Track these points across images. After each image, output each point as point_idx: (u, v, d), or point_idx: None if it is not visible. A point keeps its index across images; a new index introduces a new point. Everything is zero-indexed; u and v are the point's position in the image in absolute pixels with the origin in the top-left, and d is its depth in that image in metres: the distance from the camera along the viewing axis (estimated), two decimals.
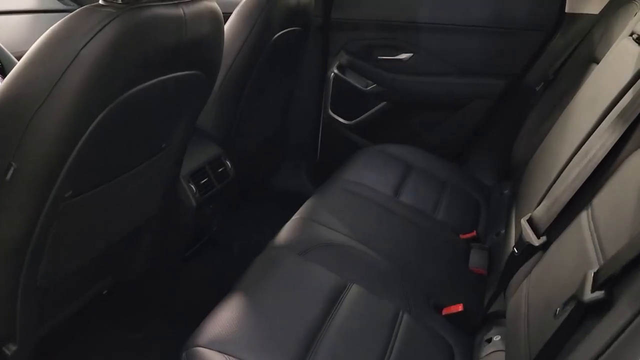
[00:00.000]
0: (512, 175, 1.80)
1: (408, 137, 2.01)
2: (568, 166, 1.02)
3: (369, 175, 1.64)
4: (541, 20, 1.80)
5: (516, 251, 1.03)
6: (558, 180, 1.04)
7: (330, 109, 2.08)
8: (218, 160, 1.48)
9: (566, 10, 1.75)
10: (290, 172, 2.16)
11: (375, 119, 2.04)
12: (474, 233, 1.48)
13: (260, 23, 1.42)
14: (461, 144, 1.99)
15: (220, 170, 1.47)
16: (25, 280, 0.88)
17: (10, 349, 0.92)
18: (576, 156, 1.05)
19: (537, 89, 1.74)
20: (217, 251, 1.74)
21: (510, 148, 1.82)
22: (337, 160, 2.07)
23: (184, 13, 0.90)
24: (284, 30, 1.58)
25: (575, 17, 1.74)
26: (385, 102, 2.00)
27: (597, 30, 1.54)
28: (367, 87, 2.01)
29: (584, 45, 1.60)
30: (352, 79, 2.02)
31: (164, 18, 0.86)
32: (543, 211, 1.00)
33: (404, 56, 1.97)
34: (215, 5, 1.03)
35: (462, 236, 1.48)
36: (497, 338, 1.06)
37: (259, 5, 1.42)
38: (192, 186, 1.33)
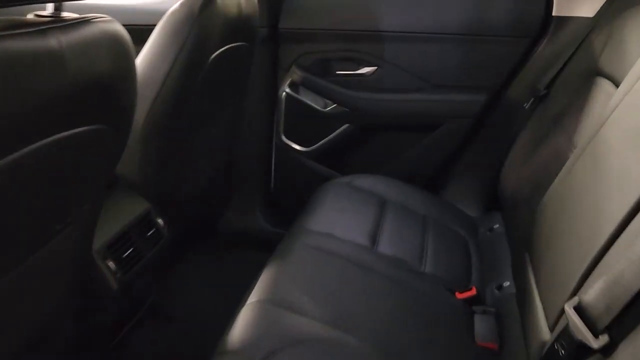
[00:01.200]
0: (502, 205, 1.54)
1: (376, 164, 1.73)
2: (629, 227, 0.75)
3: (339, 220, 1.35)
4: (525, 25, 1.55)
5: (562, 352, 0.76)
6: (613, 247, 0.77)
7: (284, 134, 1.78)
8: (146, 218, 1.14)
9: (553, 14, 1.51)
10: (241, 210, 1.84)
11: (336, 145, 1.75)
12: (474, 291, 1.21)
13: (192, 40, 1.10)
14: (438, 170, 1.73)
15: (150, 232, 1.14)
16: None
17: None
18: None
19: (526, 105, 1.49)
20: (157, 325, 1.40)
21: (496, 174, 1.57)
22: (295, 193, 1.77)
23: (59, 45, 0.57)
24: (225, 47, 1.27)
25: (565, 20, 1.50)
26: (347, 125, 1.72)
27: (597, 37, 1.30)
28: (325, 108, 1.72)
29: (582, 55, 1.36)
30: (308, 99, 1.72)
31: (24, 55, 0.53)
32: (598, 296, 0.72)
33: (366, 70, 1.69)
34: (114, 26, 0.70)
35: (459, 295, 1.21)
36: None
37: (188, 19, 1.09)
38: (111, 263, 0.99)
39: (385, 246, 1.30)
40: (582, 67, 1.33)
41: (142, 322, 1.32)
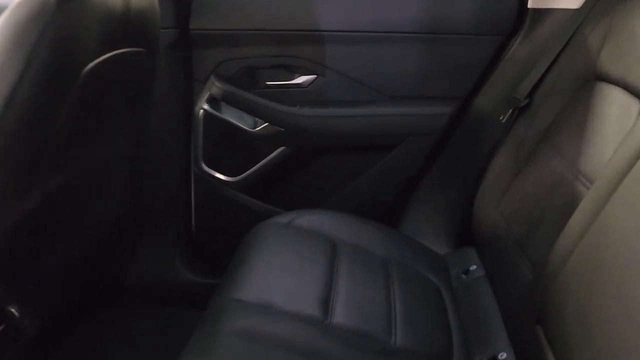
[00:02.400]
0: (476, 240, 1.26)
1: (322, 196, 1.41)
2: None
3: (280, 282, 1.01)
4: (495, 21, 1.27)
5: None
6: None
7: (204, 161, 1.42)
8: None
9: (529, 6, 1.24)
10: (153, 256, 1.47)
11: (270, 173, 1.41)
12: None
13: (47, 47, 0.73)
14: (397, 199, 1.42)
15: None
16: None
17: None
18: None
19: (503, 119, 1.21)
20: None
21: (467, 203, 1.28)
22: (222, 234, 1.43)
23: None
24: (110, 54, 0.90)
25: (543, 14, 1.23)
26: (283, 148, 1.38)
27: (590, 33, 1.04)
28: (255, 128, 1.38)
29: (572, 56, 1.09)
30: (232, 116, 1.38)
31: None
32: None
33: (303, 79, 1.36)
34: None
35: None
36: None
37: (39, 17, 0.72)
38: None
39: (341, 315, 0.98)
40: (574, 71, 1.06)
41: None
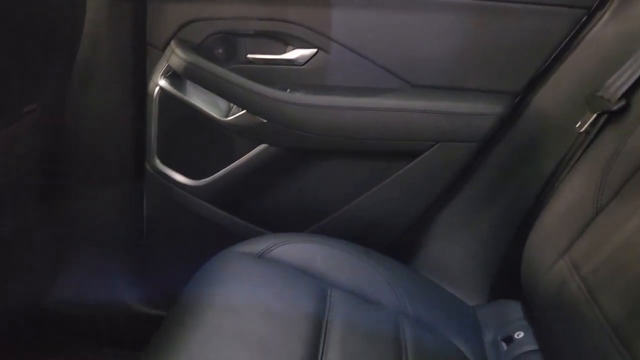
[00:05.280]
0: (525, 293, 0.89)
1: (312, 214, 1.04)
2: None
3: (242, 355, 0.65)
4: None
5: None
6: None
7: (158, 156, 1.06)
8: None
9: None
10: (80, 276, 1.11)
11: (244, 177, 1.04)
12: None
13: None
14: (413, 225, 1.05)
15: None
16: None
17: None
18: None
19: (580, 127, 0.84)
20: None
21: (514, 239, 0.92)
22: (175, 249, 1.10)
23: None
24: None
25: None
26: (264, 146, 1.01)
27: None
28: (227, 116, 1.01)
29: None
30: (198, 100, 1.01)
31: None
32: None
33: (297, 54, 0.99)
34: None
35: None
36: None
37: None
38: None
39: None
40: None
41: None
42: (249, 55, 1.01)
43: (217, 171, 1.05)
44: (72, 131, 1.01)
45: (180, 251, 1.11)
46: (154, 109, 1.02)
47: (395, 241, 1.04)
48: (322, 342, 0.72)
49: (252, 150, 1.02)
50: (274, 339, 0.69)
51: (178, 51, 0.96)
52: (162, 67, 1.00)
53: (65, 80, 0.88)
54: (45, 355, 1.06)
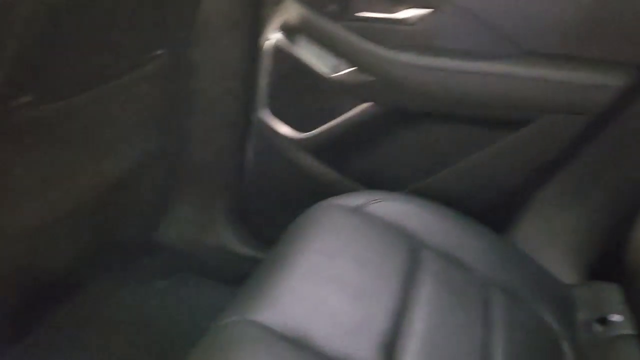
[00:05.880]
0: (627, 276, 0.87)
1: (411, 175, 1.05)
2: None
3: (326, 303, 0.69)
4: None
5: None
6: None
7: (266, 108, 1.11)
8: None
9: None
10: (187, 214, 1.19)
11: (349, 134, 1.07)
12: None
13: None
14: (511, 195, 1.04)
15: None
16: None
17: None
18: None
19: None
20: None
21: (619, 220, 0.89)
22: (276, 197, 1.15)
23: None
24: None
25: None
26: (370, 104, 1.03)
27: None
28: (336, 72, 1.03)
29: None
30: (309, 56, 1.04)
31: None
32: None
33: (412, 14, 0.99)
34: None
35: None
36: None
37: None
38: None
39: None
40: None
41: None
42: (357, 14, 1.02)
43: (321, 125, 1.08)
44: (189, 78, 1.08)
45: (279, 199, 1.17)
46: (266, 62, 1.07)
47: (491, 210, 1.03)
48: (411, 298, 0.75)
49: (356, 107, 1.04)
50: (367, 287, 0.73)
51: (293, 5, 0.99)
52: (276, 22, 1.03)
53: (188, 28, 0.94)
54: (154, 280, 1.16)
